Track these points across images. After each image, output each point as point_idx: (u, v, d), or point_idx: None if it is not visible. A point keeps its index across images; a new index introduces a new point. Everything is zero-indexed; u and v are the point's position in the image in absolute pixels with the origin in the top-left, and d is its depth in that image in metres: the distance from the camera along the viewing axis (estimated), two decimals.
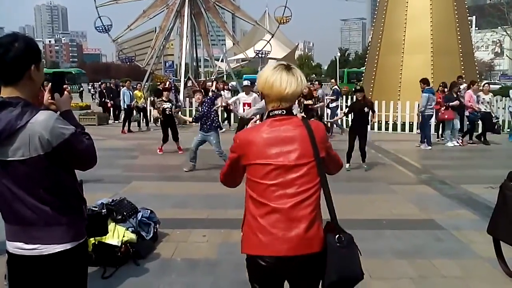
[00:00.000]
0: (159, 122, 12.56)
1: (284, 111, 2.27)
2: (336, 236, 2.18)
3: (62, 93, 2.26)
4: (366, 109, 9.37)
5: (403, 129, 16.14)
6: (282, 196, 2.17)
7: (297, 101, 10.64)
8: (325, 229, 2.23)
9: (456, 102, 12.77)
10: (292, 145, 2.21)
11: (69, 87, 19.92)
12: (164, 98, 11.94)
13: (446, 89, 13.66)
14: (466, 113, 13.46)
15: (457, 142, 12.97)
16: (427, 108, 12.64)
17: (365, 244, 5.20)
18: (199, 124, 9.40)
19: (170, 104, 11.86)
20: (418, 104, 13.22)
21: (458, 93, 13.15)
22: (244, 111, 11.72)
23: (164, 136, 11.82)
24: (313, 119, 10.95)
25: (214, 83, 19.62)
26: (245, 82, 11.25)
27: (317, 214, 2.21)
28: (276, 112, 2.28)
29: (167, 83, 19.91)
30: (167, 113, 11.74)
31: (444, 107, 12.75)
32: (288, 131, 2.23)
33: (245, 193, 2.32)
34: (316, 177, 2.22)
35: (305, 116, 11.07)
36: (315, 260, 2.17)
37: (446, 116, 12.70)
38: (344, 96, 20.24)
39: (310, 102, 12.84)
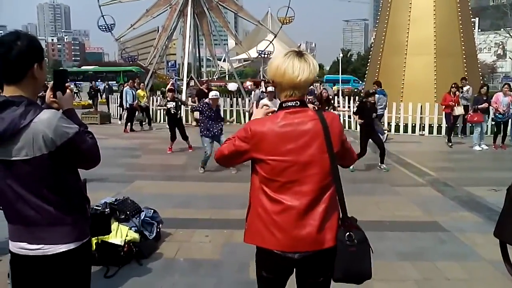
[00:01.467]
0: (167, 122, 12.87)
1: (298, 103, 2.21)
2: (347, 234, 2.17)
3: (64, 91, 2.23)
4: (374, 114, 9.76)
5: (405, 130, 16.11)
6: (297, 194, 2.16)
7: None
8: (338, 225, 2.21)
9: (484, 105, 12.66)
10: (307, 141, 2.16)
11: (71, 85, 19.76)
12: (168, 98, 12.17)
13: (457, 92, 13.50)
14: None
15: (486, 146, 12.76)
16: (378, 108, 13.27)
17: None
18: (205, 128, 9.29)
19: (174, 104, 12.00)
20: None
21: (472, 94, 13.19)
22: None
23: (171, 135, 11.91)
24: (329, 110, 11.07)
25: (263, 83, 19.43)
26: (270, 88, 10.98)
27: (331, 210, 2.20)
28: (289, 103, 2.21)
29: (170, 82, 19.93)
30: (172, 112, 11.92)
31: (473, 110, 12.70)
32: (302, 125, 2.17)
33: (251, 184, 2.29)
34: (330, 174, 2.19)
35: (316, 107, 11.14)
36: (326, 255, 2.18)
37: (475, 119, 12.60)
38: (347, 97, 20.24)
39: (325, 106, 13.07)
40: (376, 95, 13.41)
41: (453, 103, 13.31)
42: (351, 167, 9.37)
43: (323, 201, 2.17)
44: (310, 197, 2.15)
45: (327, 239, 2.17)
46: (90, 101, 25.99)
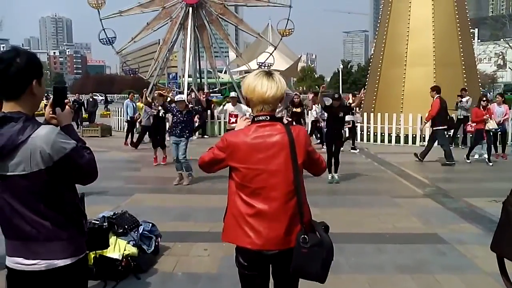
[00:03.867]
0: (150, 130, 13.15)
1: (268, 117, 2.50)
2: (302, 236, 2.41)
3: (63, 107, 2.26)
4: (341, 114, 9.53)
5: (406, 141, 16.12)
6: (267, 199, 2.44)
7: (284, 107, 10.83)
8: (300, 228, 2.45)
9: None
10: (275, 152, 2.45)
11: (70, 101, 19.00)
12: (157, 103, 12.13)
13: (489, 104, 12.69)
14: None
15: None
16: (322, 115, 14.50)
17: (368, 258, 5.20)
18: (173, 129, 9.49)
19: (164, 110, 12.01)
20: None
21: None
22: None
23: (154, 141, 12.08)
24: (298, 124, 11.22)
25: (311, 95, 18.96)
26: (232, 94, 11.33)
27: (297, 215, 2.45)
28: (261, 118, 2.51)
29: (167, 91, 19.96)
30: (160, 115, 11.94)
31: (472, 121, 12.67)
32: (271, 137, 2.46)
33: (228, 188, 2.57)
34: (294, 182, 2.45)
35: (288, 120, 11.58)
36: (291, 253, 2.43)
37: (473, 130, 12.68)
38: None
39: (298, 110, 13.41)
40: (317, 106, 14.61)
41: (487, 117, 12.03)
42: (336, 177, 9.39)
43: (289, 207, 2.45)
44: (278, 203, 2.44)
45: (292, 240, 2.44)
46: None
